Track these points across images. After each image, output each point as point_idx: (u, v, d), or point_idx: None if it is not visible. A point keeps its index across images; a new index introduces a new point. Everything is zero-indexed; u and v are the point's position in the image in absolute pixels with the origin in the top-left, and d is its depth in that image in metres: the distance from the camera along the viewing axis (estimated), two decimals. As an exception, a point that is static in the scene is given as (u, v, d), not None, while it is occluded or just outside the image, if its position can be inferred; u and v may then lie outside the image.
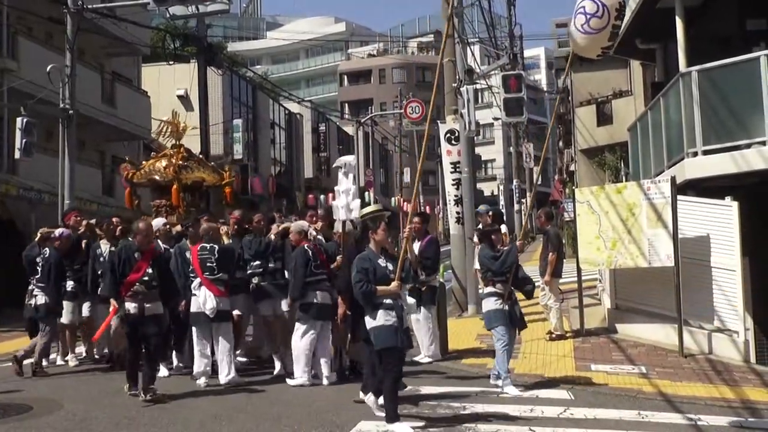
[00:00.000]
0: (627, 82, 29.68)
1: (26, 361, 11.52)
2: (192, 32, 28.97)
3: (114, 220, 13.10)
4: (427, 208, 48.80)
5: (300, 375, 10.45)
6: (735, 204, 11.83)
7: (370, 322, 8.16)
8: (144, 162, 14.98)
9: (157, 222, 12.29)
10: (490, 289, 9.99)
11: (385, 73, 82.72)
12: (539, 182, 57.52)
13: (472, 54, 21.71)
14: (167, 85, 33.66)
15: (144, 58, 35.75)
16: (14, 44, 24.70)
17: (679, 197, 12.30)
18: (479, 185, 23.16)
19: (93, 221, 13.31)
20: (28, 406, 9.48)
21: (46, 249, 11.74)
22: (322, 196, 47.22)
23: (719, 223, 12.03)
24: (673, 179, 12.25)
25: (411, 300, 10.34)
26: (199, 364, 10.56)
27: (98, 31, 25.58)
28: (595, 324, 14.30)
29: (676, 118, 14.20)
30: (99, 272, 12.13)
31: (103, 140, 30.15)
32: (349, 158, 11.12)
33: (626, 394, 9.61)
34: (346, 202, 10.49)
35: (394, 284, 8.15)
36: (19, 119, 19.06)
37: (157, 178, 14.27)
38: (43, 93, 19.97)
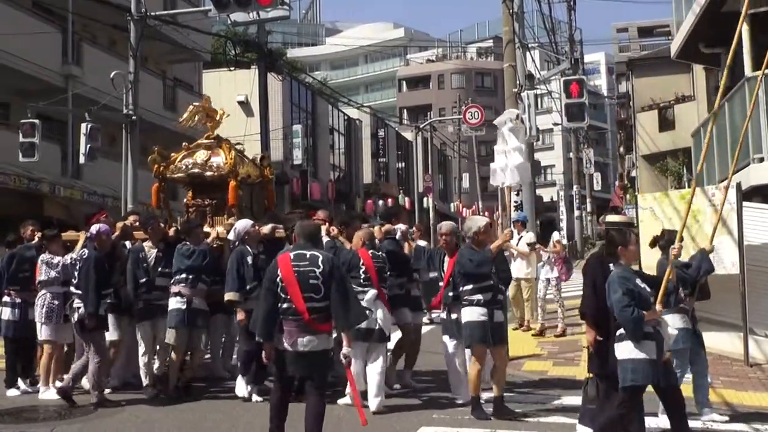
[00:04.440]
0: (690, 87, 29.32)
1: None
2: (252, 39, 29.27)
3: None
4: (486, 213, 48.56)
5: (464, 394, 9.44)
6: (803, 211, 11.58)
7: (628, 352, 7.09)
8: (173, 154, 12.83)
9: (244, 224, 10.46)
10: None
11: (443, 79, 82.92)
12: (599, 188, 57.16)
13: (532, 59, 21.54)
14: (228, 91, 33.97)
15: (205, 65, 36.35)
16: (79, 51, 25.30)
17: (744, 203, 12.07)
18: (538, 191, 23.02)
19: (128, 222, 11.65)
20: (92, 408, 9.63)
21: (84, 250, 10.02)
22: (380, 202, 47.30)
23: (786, 230, 11.77)
24: (738, 185, 12.02)
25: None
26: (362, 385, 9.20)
27: (160, 38, 26.02)
28: (658, 332, 14.05)
29: (741, 123, 13.95)
30: (144, 280, 10.43)
31: (165, 145, 30.56)
32: (513, 113, 9.80)
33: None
34: (519, 162, 9.28)
35: (656, 308, 7.19)
36: (83, 125, 19.44)
37: (204, 172, 12.10)
38: (107, 99, 20.31)
